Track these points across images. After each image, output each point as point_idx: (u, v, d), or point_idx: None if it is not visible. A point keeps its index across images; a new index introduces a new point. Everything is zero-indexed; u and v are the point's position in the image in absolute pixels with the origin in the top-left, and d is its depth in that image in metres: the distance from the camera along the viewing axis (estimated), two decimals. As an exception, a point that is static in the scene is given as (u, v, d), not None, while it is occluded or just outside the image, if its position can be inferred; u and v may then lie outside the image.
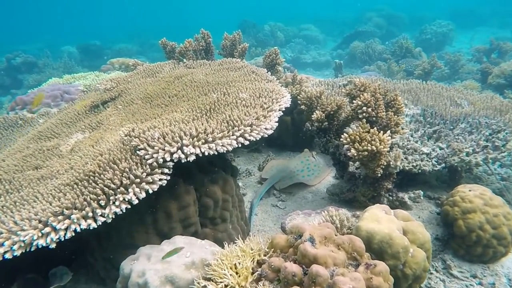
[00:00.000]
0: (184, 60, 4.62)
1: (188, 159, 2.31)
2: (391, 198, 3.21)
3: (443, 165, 3.32)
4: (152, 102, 3.47)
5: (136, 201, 2.17)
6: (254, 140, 2.57)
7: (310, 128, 3.53)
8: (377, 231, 2.15)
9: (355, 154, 2.64)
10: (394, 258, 2.09)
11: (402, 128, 2.88)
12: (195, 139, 2.35)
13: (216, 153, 2.39)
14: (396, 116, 2.94)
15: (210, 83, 3.56)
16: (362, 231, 2.20)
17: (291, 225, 1.99)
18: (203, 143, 2.36)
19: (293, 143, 4.88)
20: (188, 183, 2.63)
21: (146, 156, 2.30)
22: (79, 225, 2.03)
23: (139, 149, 2.38)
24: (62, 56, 13.99)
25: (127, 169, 2.25)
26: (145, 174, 2.23)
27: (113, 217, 2.12)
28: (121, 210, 2.13)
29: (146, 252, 2.20)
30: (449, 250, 2.99)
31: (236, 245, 2.08)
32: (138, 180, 2.20)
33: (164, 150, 2.30)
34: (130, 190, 2.16)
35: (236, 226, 2.88)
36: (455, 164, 3.32)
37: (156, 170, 2.28)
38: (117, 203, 2.11)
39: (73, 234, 2.02)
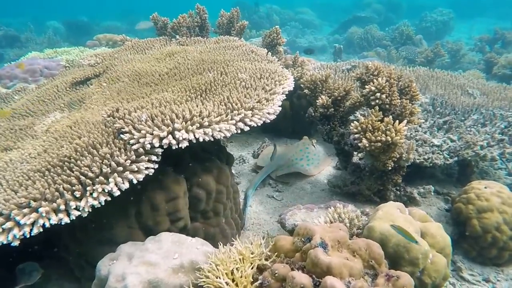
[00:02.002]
0: (177, 37, 4.24)
1: (180, 146, 2.01)
2: (398, 192, 2.97)
3: (456, 158, 3.08)
4: (140, 80, 3.12)
5: (117, 193, 1.87)
6: (255, 125, 2.27)
7: (313, 114, 3.24)
8: (393, 233, 1.90)
9: (367, 145, 2.37)
10: (412, 264, 1.85)
11: (418, 118, 2.61)
12: (188, 122, 2.04)
13: (212, 139, 2.09)
14: (411, 104, 2.66)
15: (205, 61, 3.22)
16: (375, 232, 1.94)
17: (298, 225, 1.72)
18: (197, 128, 2.05)
19: (291, 130, 4.59)
20: (179, 172, 2.33)
21: (131, 141, 1.98)
22: (49, 219, 1.72)
23: (124, 133, 2.06)
24: (47, 32, 13.27)
25: (108, 155, 1.94)
26: (129, 161, 1.92)
27: (90, 210, 1.81)
28: (100, 202, 1.83)
29: (127, 251, 1.91)
30: (459, 250, 2.78)
31: (233, 247, 1.81)
32: (120, 168, 1.89)
33: (152, 134, 1.98)
34: (111, 179, 1.85)
35: (229, 220, 2.61)
36: (469, 158, 3.09)
37: (143, 157, 1.97)
38: (95, 194, 1.81)
39: (41, 230, 1.71)
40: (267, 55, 3.46)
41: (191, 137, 2.01)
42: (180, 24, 4.16)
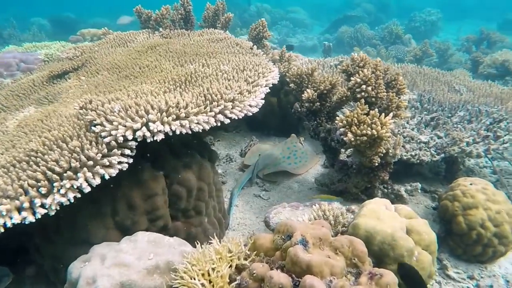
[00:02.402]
0: (160, 30, 4.11)
1: (155, 138, 1.90)
2: (386, 190, 2.91)
3: (443, 155, 3.03)
4: (120, 73, 3.00)
5: (88, 189, 1.75)
6: (236, 118, 2.18)
7: (299, 109, 3.16)
8: (378, 230, 1.83)
9: (352, 139, 2.29)
10: (397, 262, 1.77)
11: (404, 112, 2.54)
12: (164, 114, 1.93)
13: (190, 132, 1.99)
14: (397, 97, 2.60)
15: (187, 54, 3.12)
16: (360, 229, 1.87)
17: (279, 222, 1.63)
18: (174, 120, 1.94)
19: (279, 127, 4.50)
20: (157, 168, 2.22)
21: (103, 134, 1.87)
22: (10, 218, 1.59)
23: (95, 125, 1.94)
24: (31, 28, 12.94)
25: (77, 149, 1.82)
26: (100, 155, 1.80)
27: (57, 208, 1.69)
28: (69, 199, 1.71)
29: (100, 252, 1.80)
30: (446, 248, 2.73)
31: (210, 246, 1.71)
32: (91, 162, 1.77)
33: (125, 126, 1.87)
34: (80, 175, 1.74)
35: (212, 220, 2.51)
36: (455, 155, 3.04)
37: (115, 150, 1.85)
38: (62, 191, 1.69)
39: (2, 230, 1.58)
40: (252, 48, 3.37)
41: (167, 129, 1.90)
42: (163, 16, 4.04)
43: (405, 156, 2.88)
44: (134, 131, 1.87)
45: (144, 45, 3.62)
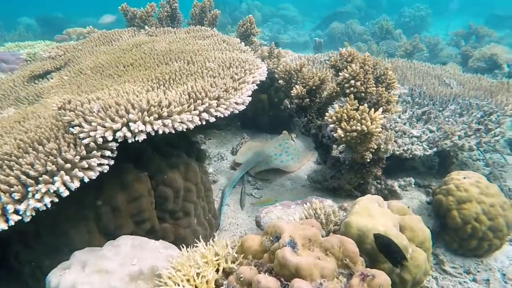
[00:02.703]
0: (146, 27, 4.01)
1: (136, 139, 1.82)
2: (379, 186, 2.86)
3: (435, 149, 2.99)
4: (104, 72, 2.91)
5: (66, 193, 1.66)
6: (222, 116, 2.10)
7: (289, 106, 3.10)
8: (371, 228, 1.77)
9: (342, 135, 2.23)
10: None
11: (394, 106, 2.49)
12: (145, 113, 1.85)
13: (173, 131, 1.91)
14: (387, 92, 2.55)
15: (173, 52, 3.03)
16: (352, 228, 1.81)
17: (267, 223, 1.56)
18: (155, 119, 1.86)
19: (270, 125, 4.44)
20: (141, 168, 2.14)
21: (81, 135, 1.78)
22: (-19, 226, 1.50)
23: (74, 126, 1.85)
24: (18, 28, 12.70)
25: (54, 151, 1.73)
26: (78, 157, 1.72)
27: (33, 214, 1.60)
28: (45, 204, 1.62)
29: (81, 259, 1.72)
30: (441, 243, 2.69)
31: (196, 249, 1.64)
32: (68, 165, 1.69)
33: (104, 127, 1.79)
34: (57, 178, 1.65)
35: (202, 220, 2.43)
36: (447, 149, 3.00)
37: (95, 152, 1.77)
38: (37, 195, 1.60)
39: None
40: (239, 44, 3.29)
41: (149, 129, 1.82)
42: (148, 14, 3.94)
43: (397, 151, 2.83)
44: (114, 131, 1.79)
45: (129, 44, 3.53)
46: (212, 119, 2.05)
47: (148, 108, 1.89)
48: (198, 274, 1.44)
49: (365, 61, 2.45)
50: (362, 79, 2.40)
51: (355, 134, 2.17)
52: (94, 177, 1.75)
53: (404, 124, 3.31)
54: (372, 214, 1.84)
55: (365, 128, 2.14)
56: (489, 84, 3.72)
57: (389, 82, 2.60)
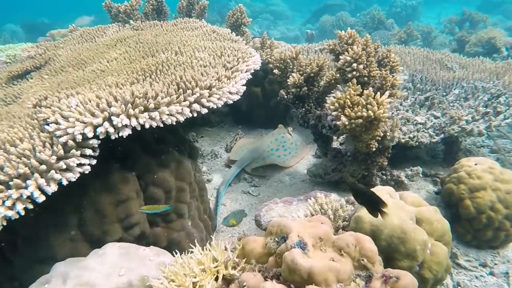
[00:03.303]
0: (131, 22, 3.80)
1: (120, 134, 1.62)
2: (385, 177, 2.69)
3: (442, 135, 2.83)
4: (86, 68, 2.70)
5: (41, 198, 1.47)
6: (215, 107, 1.92)
7: (286, 96, 2.92)
8: (385, 222, 1.59)
9: (346, 123, 2.06)
10: (409, 258, 1.55)
11: (407, 89, 2.32)
12: (129, 106, 1.65)
13: (161, 125, 1.72)
14: (391, 75, 2.38)
15: (160, 43, 2.83)
16: (364, 223, 1.63)
17: (270, 222, 1.38)
18: (141, 112, 1.67)
19: (264, 119, 4.25)
20: (128, 168, 1.95)
21: (58, 132, 1.58)
22: None
23: (49, 123, 1.65)
24: (2, 35, 12.36)
25: (27, 152, 1.53)
26: (55, 158, 1.52)
27: (4, 224, 1.40)
28: (18, 212, 1.42)
29: (62, 271, 1.52)
30: (453, 235, 2.52)
31: (192, 255, 1.45)
32: (44, 167, 1.49)
33: (83, 122, 1.59)
34: (30, 182, 1.45)
35: (197, 222, 2.24)
36: (455, 134, 2.85)
37: (74, 151, 1.57)
38: (8, 202, 1.40)
39: None
40: (230, 34, 3.10)
41: (134, 123, 1.63)
42: (133, 7, 3.74)
43: (402, 139, 2.66)
44: (95, 127, 1.59)
45: (113, 39, 3.32)
46: (204, 110, 1.86)
47: (132, 100, 1.69)
48: (194, 284, 1.25)
49: (367, 43, 2.28)
50: (365, 62, 2.23)
51: (360, 121, 2.00)
52: (74, 179, 1.55)
53: (407, 111, 3.15)
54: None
55: (372, 114, 1.96)
56: (493, 65, 3.57)
57: (393, 65, 2.43)
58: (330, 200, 1.86)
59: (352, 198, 2.03)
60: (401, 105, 3.23)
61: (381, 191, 1.82)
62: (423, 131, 2.86)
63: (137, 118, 1.65)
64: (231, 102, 2.02)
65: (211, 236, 2.44)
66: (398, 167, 3.05)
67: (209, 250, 1.38)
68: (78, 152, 1.56)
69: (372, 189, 1.85)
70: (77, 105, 1.64)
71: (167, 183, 2.01)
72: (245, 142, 3.85)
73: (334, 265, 1.16)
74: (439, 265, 1.58)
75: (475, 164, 2.52)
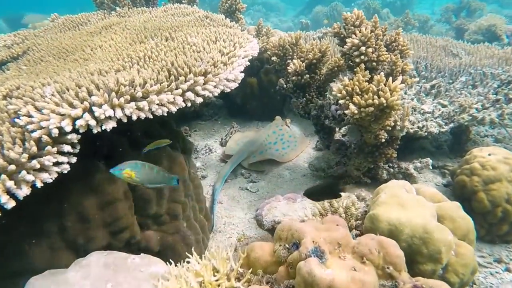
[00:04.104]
0: (117, 8, 3.56)
1: (104, 128, 1.42)
2: (392, 170, 2.52)
3: (452, 125, 2.67)
4: (68, 57, 2.48)
5: (10, 204, 1.26)
6: (211, 96, 1.71)
7: (285, 85, 2.72)
8: (405, 221, 1.42)
9: (356, 112, 1.87)
10: (433, 260, 1.38)
11: (410, 77, 2.14)
12: (113, 95, 1.44)
13: (151, 116, 1.51)
14: (401, 60, 2.20)
15: (148, 29, 2.62)
16: (381, 222, 1.46)
17: (279, 226, 1.19)
18: (127, 101, 1.46)
19: (261, 111, 4.05)
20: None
21: (30, 126, 1.37)
22: None
23: (20, 116, 1.43)
24: (-16, 29, 11.89)
25: (-6, 150, 1.31)
26: (26, 156, 1.31)
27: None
28: (-17, 220, 1.21)
29: (38, 286, 1.32)
30: (466, 230, 2.39)
31: (188, 265, 1.26)
32: (12, 167, 1.28)
33: (60, 114, 1.38)
34: (-3, 185, 1.24)
35: (193, 223, 2.05)
36: (465, 124, 2.69)
37: (49, 148, 1.36)
38: (-30, 210, 1.19)
39: None
40: (224, 20, 2.89)
41: (119, 114, 1.42)
42: (119, -7, 3.48)
43: (411, 128, 2.49)
44: (74, 119, 1.38)
45: (98, 26, 3.09)
46: (199, 100, 1.66)
47: (117, 88, 1.48)
48: (193, 301, 1.06)
49: (375, 25, 2.09)
50: (374, 45, 2.04)
51: (371, 109, 1.82)
52: (50, 180, 1.34)
53: (412, 99, 2.98)
54: (404, 203, 1.50)
55: (384, 101, 1.78)
56: (501, 51, 3.41)
57: (402, 49, 2.24)
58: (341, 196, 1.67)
59: (363, 194, 1.85)
60: (405, 93, 3.06)
61: (397, 185, 1.64)
62: (431, 120, 2.70)
63: (122, 108, 1.44)
64: (229, 90, 1.82)
65: (209, 237, 2.25)
66: (404, 159, 2.89)
67: (209, 260, 1.18)
68: (55, 149, 1.35)
69: (387, 183, 1.68)
70: (52, 95, 1.43)
71: (159, 181, 1.81)
72: (241, 135, 3.66)
73: (357, 276, 0.98)
74: (466, 267, 1.42)
75: (489, 155, 2.37)
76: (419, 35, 4.12)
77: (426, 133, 2.53)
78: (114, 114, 1.43)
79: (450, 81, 3.20)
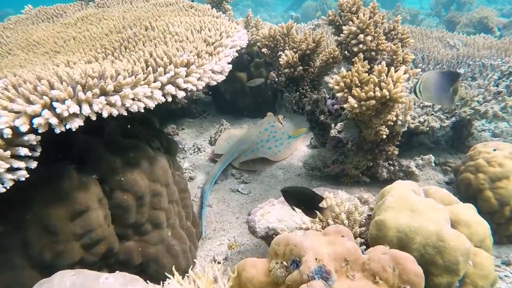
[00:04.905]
0: (95, -1, 3.32)
1: (68, 127, 1.21)
2: (392, 168, 2.37)
3: (453, 119, 2.52)
4: (38, 50, 2.25)
5: (-46, 219, 1.05)
6: (195, 89, 1.52)
7: (277, 79, 2.54)
8: (416, 228, 1.26)
9: (355, 106, 1.70)
10: (449, 272, 1.22)
11: (411, 68, 1.98)
12: (79, 88, 1.24)
13: (125, 113, 1.32)
14: (401, 49, 2.04)
15: (127, 19, 2.41)
16: (389, 229, 1.29)
17: (276, 240, 1.01)
18: (96, 96, 1.26)
19: (252, 107, 3.87)
20: (87, 170, 1.54)
21: (-22, 127, 1.16)
22: None
23: (-31, 115, 1.22)
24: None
25: None
26: (-27, 162, 1.10)
27: None
28: None
29: (-9, 315, 1.11)
30: (471, 230, 2.25)
31: (170, 285, 1.07)
32: (-44, 175, 1.07)
33: (14, 111, 1.17)
34: None
35: (178, 232, 1.86)
36: (467, 117, 2.55)
37: (1, 152, 1.15)
38: None
39: None
40: (211, 10, 2.69)
41: (86, 111, 1.22)
42: (96, -18, 3.25)
43: (412, 123, 2.34)
44: (31, 117, 1.17)
45: (73, 18, 2.86)
46: (181, 94, 1.47)
47: (84, 81, 1.28)
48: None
49: (374, 10, 1.92)
50: (373, 33, 1.87)
51: (373, 102, 1.65)
52: (2, 190, 1.14)
53: (410, 93, 2.83)
54: (414, 207, 1.33)
55: (387, 94, 1.61)
56: (499, 42, 3.29)
57: (402, 37, 2.08)
58: (342, 200, 1.50)
59: (365, 196, 1.69)
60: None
61: (404, 187, 1.48)
62: (432, 114, 2.55)
63: (90, 104, 1.24)
64: (215, 83, 1.63)
65: (196, 246, 2.06)
66: (403, 156, 2.75)
67: (193, 281, 1.00)
68: (8, 153, 1.14)
69: (393, 185, 1.51)
70: (5, 88, 1.22)
71: (138, 186, 1.61)
72: (231, 133, 3.47)
73: (371, 303, 0.80)
74: (485, 279, 1.26)
75: (494, 150, 2.23)
76: (414, 27, 3.98)
77: (427, 128, 2.38)
78: (81, 111, 1.23)
79: (449, 73, 3.05)
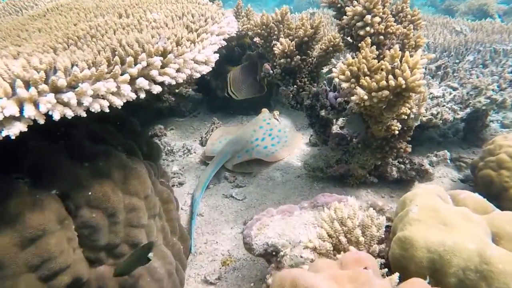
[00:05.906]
0: (70, -10, 3.02)
1: (5, 133, 0.94)
2: (403, 166, 2.12)
3: (468, 110, 2.28)
4: (-2, 45, 1.95)
5: None
6: (174, 83, 1.25)
7: (271, 71, 2.28)
8: (452, 247, 1.01)
9: (365, 98, 1.44)
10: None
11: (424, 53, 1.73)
12: (20, 83, 0.96)
13: (83, 114, 1.05)
14: (413, 32, 1.78)
15: (100, 8, 2.12)
16: (417, 249, 1.04)
17: (278, 279, 0.75)
18: (43, 93, 0.99)
19: (245, 104, 3.59)
20: (44, 184, 1.27)
21: None
22: None
23: None
24: None
25: None
26: None
27: None
28: None
29: None
30: (494, 234, 2.01)
31: None
32: None
33: None
34: None
35: (162, 250, 1.59)
36: (482, 108, 2.31)
37: None
38: None
39: None
40: (196, -4, 2.41)
41: (30, 112, 0.94)
42: (68, -30, 2.94)
43: (424, 116, 2.09)
44: (-45, 123, 0.90)
45: (43, 9, 2.58)
46: (157, 88, 1.20)
47: (27, 76, 1.00)
48: None
49: (381, -11, 1.66)
50: (381, 14, 1.62)
51: (386, 93, 1.39)
52: None
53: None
54: (446, 220, 1.08)
55: (403, 82, 1.36)
56: (508, 25, 3.05)
57: (413, 19, 1.83)
58: (354, 210, 1.25)
59: (379, 203, 1.43)
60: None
61: (429, 193, 1.23)
62: (443, 105, 2.31)
63: (35, 103, 0.97)
64: (198, 75, 1.37)
65: (185, 265, 1.79)
66: (412, 153, 2.50)
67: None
68: None
69: (416, 191, 1.26)
70: None
71: (110, 201, 1.34)
72: (223, 132, 3.20)
73: None
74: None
75: (517, 143, 2.00)
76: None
77: (441, 121, 2.13)
78: (25, 113, 0.96)
79: (457, 60, 2.82)
